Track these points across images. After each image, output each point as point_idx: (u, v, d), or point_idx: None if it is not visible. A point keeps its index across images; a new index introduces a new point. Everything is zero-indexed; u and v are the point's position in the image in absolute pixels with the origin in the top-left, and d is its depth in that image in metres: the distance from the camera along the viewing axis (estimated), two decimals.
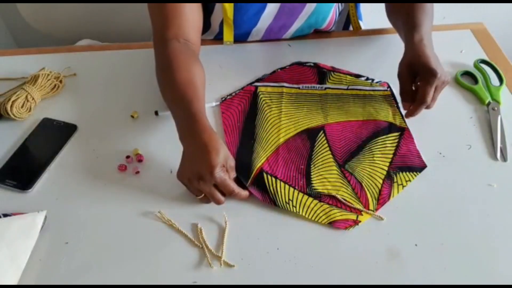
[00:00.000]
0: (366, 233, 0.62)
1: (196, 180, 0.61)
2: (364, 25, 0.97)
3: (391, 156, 0.70)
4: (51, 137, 0.74)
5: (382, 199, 0.65)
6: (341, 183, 0.67)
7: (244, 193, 0.64)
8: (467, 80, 0.82)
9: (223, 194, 0.64)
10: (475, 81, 0.82)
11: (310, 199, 0.65)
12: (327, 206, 0.64)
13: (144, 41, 0.90)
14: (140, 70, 0.85)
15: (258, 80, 0.83)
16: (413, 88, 0.73)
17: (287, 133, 0.74)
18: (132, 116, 0.77)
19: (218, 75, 0.84)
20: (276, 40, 0.90)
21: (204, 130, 0.62)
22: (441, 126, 0.74)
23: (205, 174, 0.60)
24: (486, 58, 0.86)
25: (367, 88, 0.81)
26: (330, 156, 0.71)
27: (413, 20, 0.74)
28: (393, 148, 0.71)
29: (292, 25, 0.86)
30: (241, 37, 0.89)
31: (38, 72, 0.79)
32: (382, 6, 0.86)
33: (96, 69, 0.86)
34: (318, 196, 0.66)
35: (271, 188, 0.66)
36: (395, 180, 0.67)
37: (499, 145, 0.72)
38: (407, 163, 0.69)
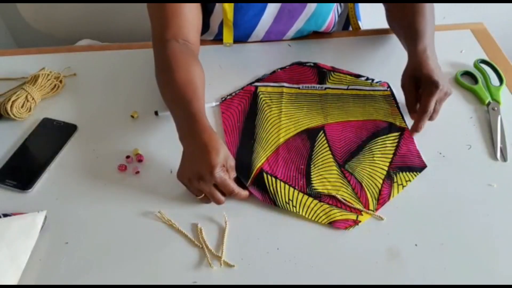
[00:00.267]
0: (366, 233, 0.62)
1: (196, 180, 0.61)
2: (363, 25, 0.97)
3: (391, 156, 0.70)
4: (51, 137, 0.74)
5: (382, 199, 0.65)
6: (341, 183, 0.67)
7: (244, 193, 0.64)
8: (467, 80, 0.82)
9: (223, 194, 0.64)
10: (475, 81, 0.82)
11: (310, 199, 0.65)
12: (327, 206, 0.64)
13: (144, 41, 0.90)
14: (140, 70, 0.85)
15: (258, 80, 0.82)
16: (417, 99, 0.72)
17: (287, 133, 0.74)
18: (132, 116, 0.77)
19: (218, 75, 0.83)
20: (276, 40, 0.90)
21: (204, 130, 0.62)
22: (441, 126, 0.74)
23: (205, 174, 0.60)
24: (486, 58, 0.86)
25: (367, 88, 0.81)
26: (330, 156, 0.71)
27: (415, 29, 0.74)
28: (393, 148, 0.71)
29: (292, 27, 0.86)
30: (240, 39, 0.89)
31: (38, 72, 0.79)
32: (381, 6, 0.86)
33: (96, 69, 0.86)
34: (318, 196, 0.66)
35: (271, 188, 0.66)
36: (395, 180, 0.67)
37: (499, 145, 0.71)
38: (407, 163, 0.69)
